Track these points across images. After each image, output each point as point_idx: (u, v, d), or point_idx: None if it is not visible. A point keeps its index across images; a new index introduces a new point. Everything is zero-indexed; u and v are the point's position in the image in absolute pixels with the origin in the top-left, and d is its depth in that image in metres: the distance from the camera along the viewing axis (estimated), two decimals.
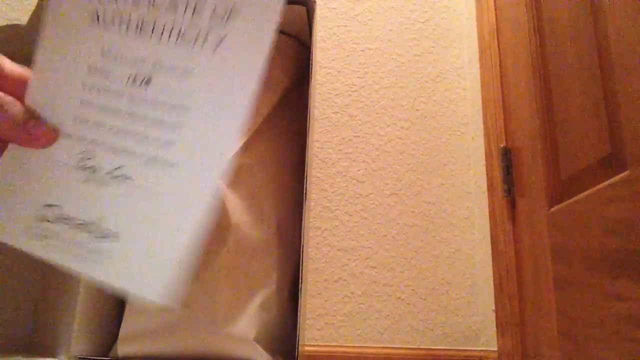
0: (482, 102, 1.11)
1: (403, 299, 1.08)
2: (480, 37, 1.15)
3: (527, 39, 0.89)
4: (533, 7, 0.87)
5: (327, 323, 1.06)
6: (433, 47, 1.26)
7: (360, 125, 1.20)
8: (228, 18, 0.31)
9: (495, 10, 1.09)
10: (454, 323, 1.06)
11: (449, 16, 1.28)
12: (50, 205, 0.32)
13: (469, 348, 1.04)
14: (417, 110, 1.21)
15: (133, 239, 0.31)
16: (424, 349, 1.04)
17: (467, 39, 1.25)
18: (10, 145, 0.32)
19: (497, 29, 1.07)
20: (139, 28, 0.31)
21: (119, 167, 0.31)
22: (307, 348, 1.03)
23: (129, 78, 0.31)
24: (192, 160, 0.31)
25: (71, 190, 0.32)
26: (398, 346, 1.04)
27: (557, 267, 0.74)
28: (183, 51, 0.31)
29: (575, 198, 0.69)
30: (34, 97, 0.32)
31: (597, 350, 0.61)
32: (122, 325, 0.63)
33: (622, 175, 0.57)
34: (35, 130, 0.31)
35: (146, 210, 0.31)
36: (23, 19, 0.72)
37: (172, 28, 0.31)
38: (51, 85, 0.32)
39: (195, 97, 0.31)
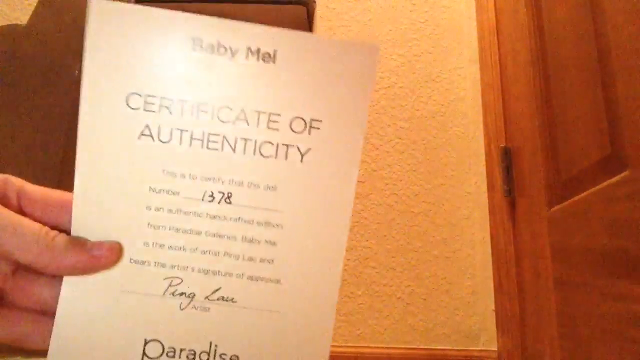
0: (482, 102, 1.11)
1: (403, 299, 1.08)
2: (480, 37, 1.15)
3: (527, 39, 0.89)
4: (533, 7, 0.87)
5: None
6: (433, 47, 1.26)
7: None
8: (309, 131, 0.29)
9: (495, 10, 1.09)
10: (454, 323, 1.06)
11: (449, 16, 1.28)
12: (149, 342, 0.29)
13: (469, 348, 1.04)
14: (417, 110, 1.21)
15: None
16: (424, 349, 1.04)
17: (467, 39, 1.25)
18: (67, 284, 0.28)
19: (497, 29, 1.07)
20: (204, 143, 0.29)
21: (217, 290, 0.29)
22: None
23: (203, 197, 0.29)
24: (298, 276, 0.29)
25: (168, 321, 0.29)
26: (398, 346, 1.04)
27: (557, 267, 0.74)
28: (263, 166, 0.29)
29: (575, 198, 0.69)
30: (81, 224, 0.28)
31: (597, 350, 0.61)
32: None
33: (622, 175, 0.57)
34: (97, 251, 0.27)
35: (261, 332, 0.29)
36: (23, 19, 0.72)
37: (246, 143, 0.29)
38: (103, 210, 0.28)
39: (286, 214, 0.29)
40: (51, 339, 0.27)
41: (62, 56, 0.77)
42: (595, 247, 0.62)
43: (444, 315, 1.07)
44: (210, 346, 0.29)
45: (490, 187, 1.03)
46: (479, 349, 1.04)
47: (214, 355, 0.29)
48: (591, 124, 0.66)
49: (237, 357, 0.29)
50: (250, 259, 0.29)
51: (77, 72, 0.78)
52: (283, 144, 0.29)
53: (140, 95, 0.28)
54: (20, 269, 0.27)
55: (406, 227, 1.12)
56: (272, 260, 0.29)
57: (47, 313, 0.28)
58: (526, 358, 0.87)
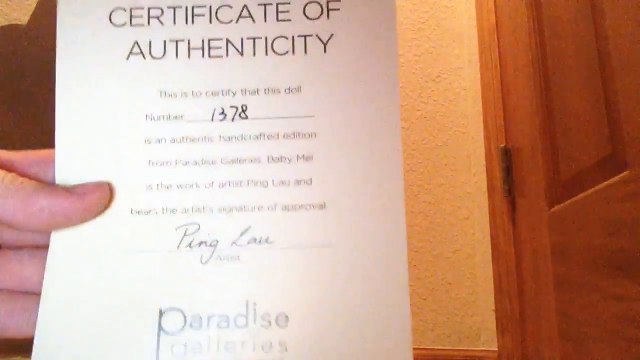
0: (482, 102, 1.11)
1: None
2: (480, 37, 1.15)
3: (527, 39, 0.89)
4: (533, 7, 0.87)
5: None
6: (433, 47, 1.26)
7: None
8: (327, 15, 0.24)
9: (495, 10, 1.09)
10: (454, 323, 1.06)
11: (449, 16, 1.28)
12: (166, 311, 0.22)
13: (469, 348, 1.04)
14: (417, 110, 1.21)
15: (310, 323, 0.22)
16: (424, 349, 1.04)
17: (467, 39, 1.25)
18: (54, 249, 0.22)
19: (497, 29, 1.07)
20: (205, 51, 0.24)
21: (246, 230, 0.23)
22: None
23: (213, 116, 0.23)
24: (347, 194, 0.23)
25: (187, 281, 0.22)
26: None
27: (557, 267, 0.74)
28: (279, 65, 0.24)
29: (575, 198, 0.69)
30: (66, 172, 0.23)
31: (597, 350, 0.61)
32: None
33: (622, 175, 0.57)
34: (80, 190, 0.22)
35: (312, 277, 0.22)
36: (23, 19, 0.72)
37: (255, 42, 0.24)
38: (92, 152, 0.23)
39: (319, 117, 0.23)
40: (37, 319, 0.22)
41: None
42: (595, 247, 0.62)
43: (444, 315, 1.07)
44: (247, 306, 0.22)
45: (490, 187, 1.03)
46: (479, 349, 1.04)
47: (254, 317, 0.22)
48: (591, 124, 0.66)
49: (286, 315, 0.22)
50: (282, 182, 0.23)
51: None
52: (299, 36, 0.24)
53: (124, 10, 0.24)
54: None
55: (406, 227, 1.12)
56: (310, 180, 0.23)
57: (32, 294, 0.22)
58: (526, 358, 0.87)
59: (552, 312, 0.75)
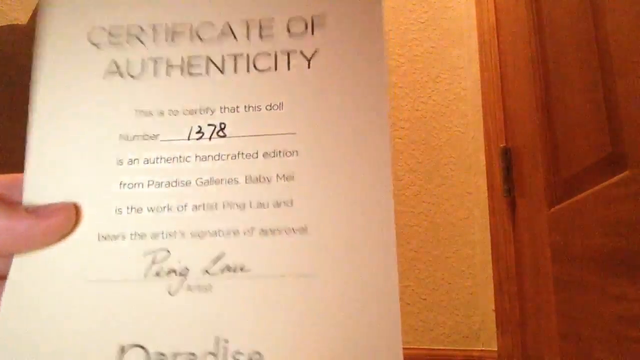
0: (482, 102, 1.11)
1: (403, 299, 1.08)
2: (480, 37, 1.15)
3: (527, 39, 0.89)
4: (533, 7, 0.87)
5: None
6: (433, 47, 1.26)
7: None
8: (312, 31, 0.23)
9: (495, 10, 1.09)
10: (454, 323, 1.06)
11: (449, 16, 1.28)
12: (128, 348, 0.20)
13: (469, 348, 1.04)
14: (417, 110, 1.21)
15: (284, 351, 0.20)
16: (424, 349, 1.04)
17: (467, 39, 1.25)
18: (13, 274, 0.21)
19: (497, 29, 1.07)
20: (184, 69, 0.23)
21: (220, 258, 0.21)
22: None
23: (189, 135, 0.22)
24: (332, 217, 0.21)
25: (153, 315, 0.20)
26: None
27: (557, 267, 0.74)
28: (261, 82, 0.23)
29: (575, 198, 0.69)
30: (34, 191, 0.22)
31: (597, 350, 0.61)
32: None
33: (622, 175, 0.57)
34: (43, 212, 0.20)
35: (290, 311, 0.20)
36: (23, 19, 0.72)
37: (236, 59, 0.23)
38: (62, 172, 0.22)
39: (301, 135, 0.22)
40: None
41: None
42: (595, 247, 0.62)
43: (444, 315, 1.07)
44: (218, 343, 0.20)
45: (490, 187, 1.03)
46: (479, 349, 1.04)
47: (225, 356, 0.20)
48: (591, 124, 0.66)
49: (260, 354, 0.20)
50: (261, 204, 0.21)
51: None
52: (282, 52, 0.23)
53: (104, 29, 0.23)
54: None
55: (406, 227, 1.12)
56: (291, 202, 0.21)
57: None
58: (526, 358, 0.87)
59: (552, 312, 0.75)
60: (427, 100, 1.22)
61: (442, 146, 1.18)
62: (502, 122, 1.01)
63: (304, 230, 0.21)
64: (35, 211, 0.20)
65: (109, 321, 0.20)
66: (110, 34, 0.23)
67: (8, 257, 0.20)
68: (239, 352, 0.20)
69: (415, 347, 1.04)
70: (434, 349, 1.04)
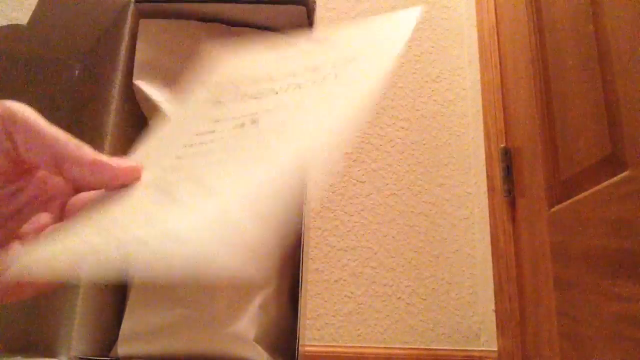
0: (482, 102, 1.11)
1: (403, 299, 1.08)
2: (480, 37, 1.15)
3: (527, 39, 0.89)
4: (533, 7, 0.87)
5: (327, 323, 1.06)
6: (433, 47, 1.26)
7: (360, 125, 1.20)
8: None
9: (495, 10, 1.09)
10: (454, 323, 1.06)
11: (449, 16, 1.28)
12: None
13: (469, 348, 1.04)
14: (417, 110, 1.21)
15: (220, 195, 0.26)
16: (424, 349, 1.04)
17: (467, 39, 1.25)
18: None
19: (497, 29, 1.07)
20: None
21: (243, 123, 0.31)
22: (307, 348, 1.03)
23: (234, 126, 0.30)
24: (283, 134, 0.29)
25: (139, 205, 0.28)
26: (398, 346, 1.04)
27: (557, 267, 0.74)
28: (286, 98, 0.31)
29: (575, 198, 0.69)
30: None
31: (597, 350, 0.61)
32: (122, 325, 0.63)
33: (622, 175, 0.57)
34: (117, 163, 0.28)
35: (227, 169, 0.27)
36: (23, 18, 0.72)
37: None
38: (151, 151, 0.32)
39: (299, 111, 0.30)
40: None
41: (62, 56, 0.77)
42: (595, 247, 0.62)
43: (444, 315, 1.07)
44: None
45: (490, 187, 1.03)
46: (479, 349, 1.04)
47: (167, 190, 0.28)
48: (591, 124, 0.66)
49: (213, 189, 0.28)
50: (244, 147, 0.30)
51: (77, 72, 0.78)
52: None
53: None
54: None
55: (406, 227, 1.12)
56: (259, 119, 0.31)
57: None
58: (526, 358, 0.87)
59: (552, 312, 0.75)
60: (427, 100, 1.22)
61: (442, 146, 1.18)
62: (502, 122, 1.01)
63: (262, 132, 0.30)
64: (125, 163, 0.29)
65: None
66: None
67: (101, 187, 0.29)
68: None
69: (415, 347, 1.04)
70: (434, 349, 1.04)
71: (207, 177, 0.27)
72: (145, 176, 0.29)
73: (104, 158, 0.28)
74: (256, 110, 0.31)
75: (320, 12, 1.30)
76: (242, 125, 0.30)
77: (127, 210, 0.27)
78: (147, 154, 0.32)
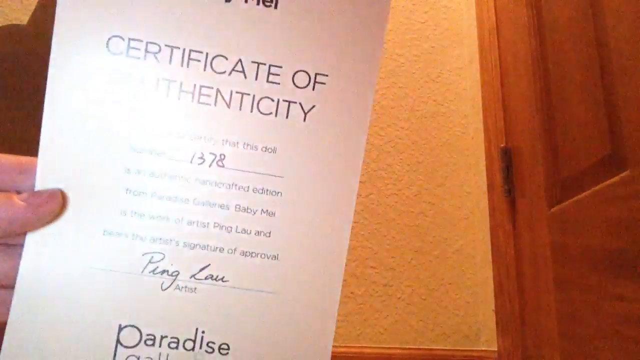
0: (482, 102, 1.11)
1: (403, 299, 1.08)
2: (480, 37, 1.15)
3: (527, 39, 0.89)
4: (533, 7, 0.87)
5: None
6: (433, 47, 1.26)
7: None
8: (313, 87, 0.26)
9: (495, 10, 1.09)
10: (454, 323, 1.06)
11: (449, 16, 1.28)
12: (124, 327, 0.25)
13: (469, 348, 1.04)
14: (417, 110, 1.21)
15: (246, 354, 0.26)
16: (424, 349, 1.04)
17: (467, 39, 1.25)
18: (27, 253, 0.24)
19: (497, 29, 1.07)
20: (194, 96, 0.25)
21: (205, 267, 0.25)
22: None
23: (192, 158, 0.25)
24: (299, 252, 0.26)
25: (147, 303, 0.25)
26: (398, 346, 1.04)
27: (557, 267, 0.74)
28: (261, 124, 0.26)
29: (575, 198, 0.69)
30: (46, 187, 0.25)
31: (597, 350, 0.61)
32: None
33: (622, 175, 0.57)
34: (33, 199, 0.24)
35: (255, 316, 0.26)
36: (23, 19, 0.72)
37: (242, 98, 0.26)
38: (73, 173, 0.25)
39: (287, 180, 0.26)
40: (10, 311, 0.24)
41: None
42: (595, 247, 0.62)
43: (444, 315, 1.07)
44: (196, 333, 0.25)
45: (490, 187, 1.03)
46: (479, 349, 1.04)
47: (200, 343, 0.25)
48: (591, 124, 0.66)
49: (227, 345, 0.25)
50: (245, 231, 0.26)
51: None
52: (284, 100, 0.26)
53: (122, 39, 0.25)
54: None
55: (406, 227, 1.12)
56: (269, 234, 0.26)
57: (7, 286, 0.24)
58: (526, 358, 0.87)
59: (552, 312, 0.75)
60: (427, 100, 1.22)
61: (442, 146, 1.18)
62: (502, 122, 1.01)
63: (275, 257, 0.26)
64: (29, 200, 0.24)
65: (111, 304, 0.25)
66: (129, 45, 0.25)
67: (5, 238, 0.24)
68: (211, 342, 0.25)
69: (415, 347, 1.04)
70: (434, 349, 1.04)
71: None
72: None
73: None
74: (219, 135, 0.26)
75: None
76: (202, 161, 0.26)
77: (134, 313, 0.26)
78: (66, 173, 0.26)
